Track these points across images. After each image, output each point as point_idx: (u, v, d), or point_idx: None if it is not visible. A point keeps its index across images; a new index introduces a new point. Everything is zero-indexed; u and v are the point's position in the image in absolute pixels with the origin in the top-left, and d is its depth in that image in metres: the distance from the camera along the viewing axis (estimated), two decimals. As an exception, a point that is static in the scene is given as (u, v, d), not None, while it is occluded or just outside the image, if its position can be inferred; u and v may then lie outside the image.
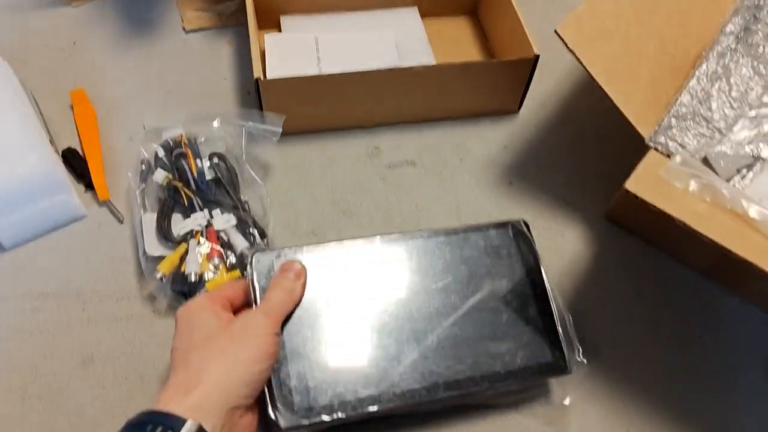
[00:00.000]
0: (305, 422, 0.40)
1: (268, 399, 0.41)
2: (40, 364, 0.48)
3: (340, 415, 0.41)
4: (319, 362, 0.42)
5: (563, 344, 0.45)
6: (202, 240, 0.51)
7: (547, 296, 0.47)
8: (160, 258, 0.50)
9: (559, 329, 0.46)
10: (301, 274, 0.44)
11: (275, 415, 0.40)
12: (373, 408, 0.42)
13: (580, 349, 0.47)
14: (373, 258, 0.47)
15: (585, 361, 0.47)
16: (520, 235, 0.49)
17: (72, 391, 0.47)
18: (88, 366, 0.48)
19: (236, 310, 0.44)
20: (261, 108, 0.57)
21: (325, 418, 0.41)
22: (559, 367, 0.45)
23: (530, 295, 0.47)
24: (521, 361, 0.44)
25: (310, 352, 0.43)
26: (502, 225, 0.50)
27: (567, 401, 0.48)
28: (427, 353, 0.43)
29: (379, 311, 0.45)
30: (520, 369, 0.44)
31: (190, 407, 0.36)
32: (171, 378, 0.39)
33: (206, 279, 0.49)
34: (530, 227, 0.50)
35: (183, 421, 0.35)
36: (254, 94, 0.57)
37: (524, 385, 0.46)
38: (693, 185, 0.43)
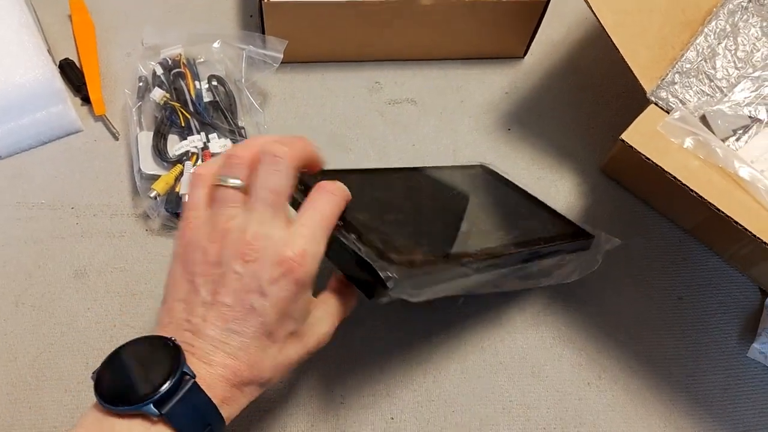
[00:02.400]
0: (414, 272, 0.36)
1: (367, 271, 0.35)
2: (33, 273, 0.49)
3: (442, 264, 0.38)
4: (396, 231, 0.41)
5: (574, 222, 0.51)
6: (199, 162, 0.51)
7: (539, 200, 0.53)
8: (155, 177, 0.50)
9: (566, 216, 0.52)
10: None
11: (384, 275, 0.34)
12: (466, 259, 0.39)
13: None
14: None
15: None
16: (489, 170, 0.55)
17: (65, 301, 0.48)
18: (81, 278, 0.49)
19: None
20: (263, 32, 0.56)
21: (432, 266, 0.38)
22: (584, 235, 0.50)
23: (526, 197, 0.53)
24: (556, 230, 0.49)
25: (381, 225, 0.40)
26: (472, 166, 0.56)
27: (542, 342, 0.50)
28: (479, 233, 0.46)
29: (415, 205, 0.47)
30: (559, 234, 0.48)
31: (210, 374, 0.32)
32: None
33: (200, 201, 0.50)
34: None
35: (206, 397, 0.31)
36: (257, 17, 0.56)
37: (569, 250, 0.48)
38: (688, 142, 0.43)
